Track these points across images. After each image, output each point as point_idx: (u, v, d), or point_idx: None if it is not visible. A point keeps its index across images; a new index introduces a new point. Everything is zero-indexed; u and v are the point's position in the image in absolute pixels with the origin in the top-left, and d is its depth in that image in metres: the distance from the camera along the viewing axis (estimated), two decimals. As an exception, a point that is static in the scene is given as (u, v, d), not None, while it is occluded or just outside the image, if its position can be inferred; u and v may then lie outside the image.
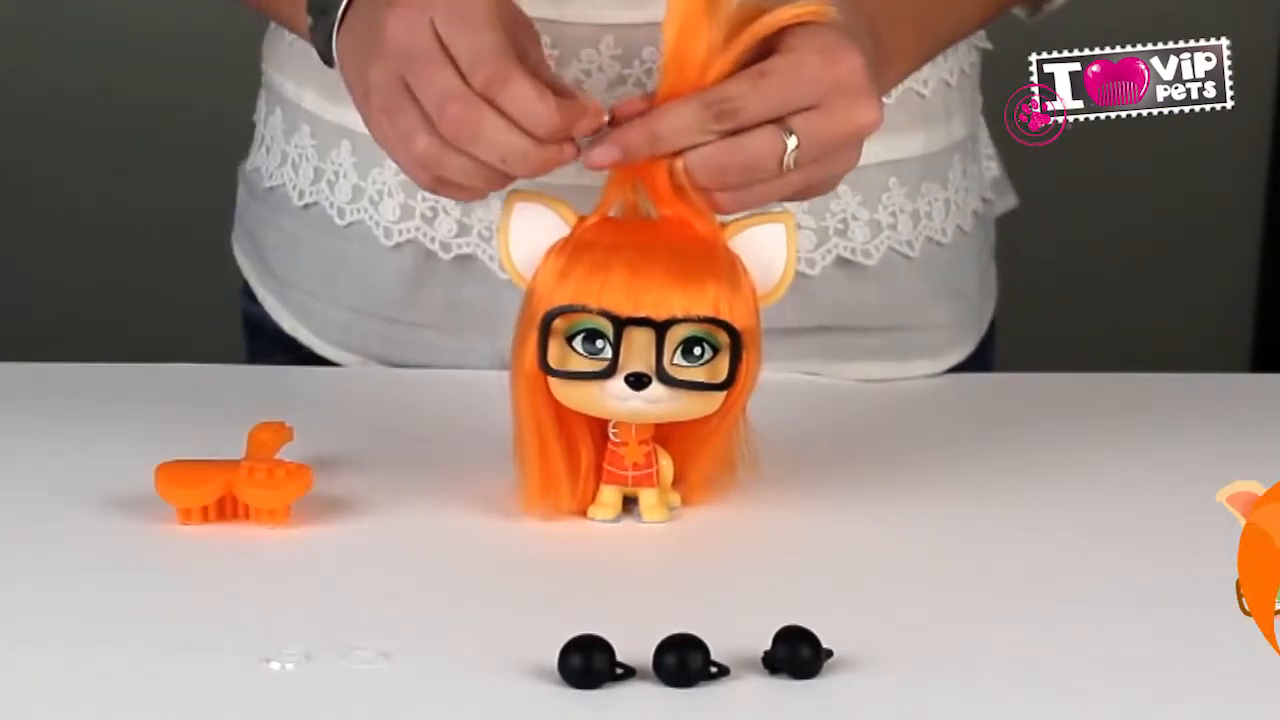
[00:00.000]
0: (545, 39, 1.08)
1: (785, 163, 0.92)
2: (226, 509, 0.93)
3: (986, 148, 1.25)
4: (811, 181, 0.95)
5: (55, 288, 2.45)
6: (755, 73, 0.92)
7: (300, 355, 1.21)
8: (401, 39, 0.91)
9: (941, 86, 1.16)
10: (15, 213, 2.44)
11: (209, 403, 1.09)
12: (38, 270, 2.45)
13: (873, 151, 1.11)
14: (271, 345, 1.22)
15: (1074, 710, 0.78)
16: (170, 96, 2.33)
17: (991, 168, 1.25)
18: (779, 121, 0.92)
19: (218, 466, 0.94)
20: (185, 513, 0.93)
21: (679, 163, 0.92)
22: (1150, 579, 0.91)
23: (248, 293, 1.24)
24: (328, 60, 0.99)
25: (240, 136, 1.26)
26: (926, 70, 1.14)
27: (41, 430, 1.05)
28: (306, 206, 1.18)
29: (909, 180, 1.15)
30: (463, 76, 0.90)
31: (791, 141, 0.92)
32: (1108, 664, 0.82)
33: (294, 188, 1.18)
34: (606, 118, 0.93)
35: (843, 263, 1.14)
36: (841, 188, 1.12)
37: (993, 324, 1.26)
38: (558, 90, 0.92)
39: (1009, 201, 1.28)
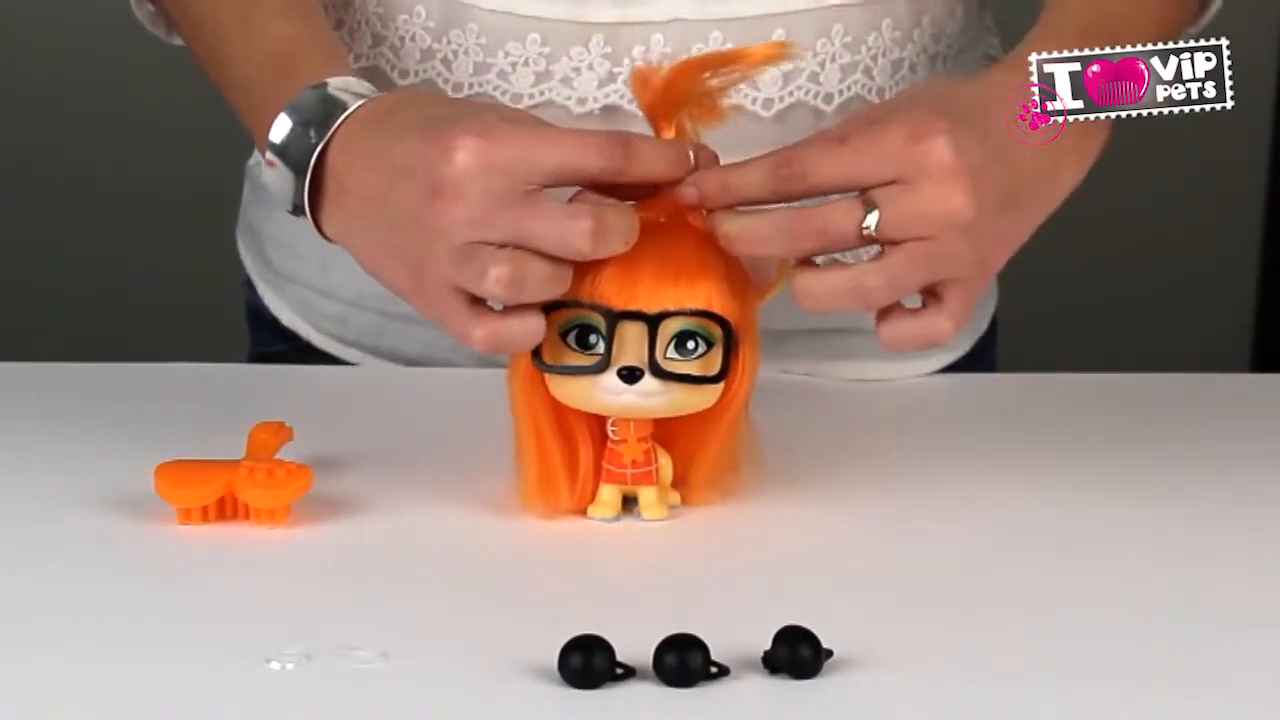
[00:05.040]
0: (534, 36, 1.08)
1: (865, 229, 0.89)
2: (226, 509, 0.93)
3: None
4: (920, 277, 0.91)
5: (56, 287, 2.45)
6: (834, 138, 0.91)
7: (297, 345, 1.21)
8: (474, 215, 0.89)
9: None
10: (17, 214, 2.44)
11: (209, 403, 1.09)
12: (38, 270, 2.45)
13: None
14: (271, 335, 1.23)
15: (1073, 711, 0.78)
16: (179, 91, 2.32)
17: None
18: (861, 195, 0.90)
19: (218, 466, 0.94)
20: (185, 513, 0.93)
21: (726, 229, 0.91)
22: (1150, 580, 0.90)
23: (249, 284, 1.25)
24: (299, 208, 0.96)
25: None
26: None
27: (41, 430, 1.05)
28: None
29: None
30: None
31: (873, 216, 0.89)
32: (1107, 665, 0.82)
33: None
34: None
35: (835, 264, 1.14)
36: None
37: (994, 323, 1.26)
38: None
39: None
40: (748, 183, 0.91)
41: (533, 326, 0.91)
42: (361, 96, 0.95)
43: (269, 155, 0.96)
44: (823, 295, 0.91)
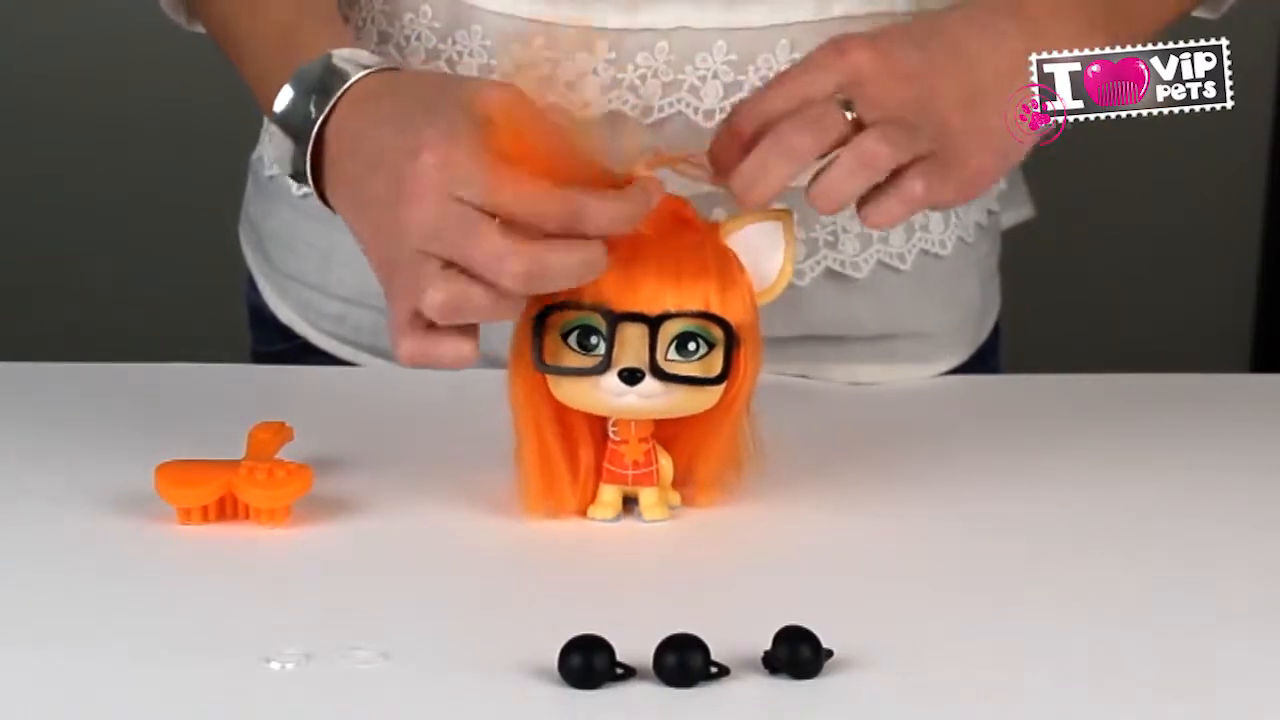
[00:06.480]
0: (539, 40, 1.08)
1: (845, 114, 0.93)
2: (226, 509, 0.94)
3: None
4: (903, 139, 0.93)
5: (56, 287, 2.45)
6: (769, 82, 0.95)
7: (297, 345, 1.21)
8: (428, 222, 0.88)
9: None
10: (18, 214, 2.44)
11: (209, 403, 1.09)
12: (38, 270, 2.45)
13: None
14: (271, 334, 1.23)
15: (1073, 710, 0.78)
16: (179, 91, 2.33)
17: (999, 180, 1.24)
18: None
19: (218, 466, 0.94)
20: (185, 513, 0.93)
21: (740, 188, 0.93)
22: (1149, 579, 0.91)
23: (251, 281, 1.25)
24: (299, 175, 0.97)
25: (254, 128, 1.26)
26: None
27: (41, 430, 1.05)
28: (305, 196, 1.18)
29: None
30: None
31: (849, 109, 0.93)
32: (1105, 664, 0.82)
33: None
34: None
35: (832, 274, 1.14)
36: None
37: (996, 329, 1.26)
38: (610, 179, 0.91)
39: (1023, 213, 1.28)
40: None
41: (463, 351, 0.90)
42: (365, 67, 0.95)
43: (274, 126, 0.96)
44: (836, 179, 0.92)
